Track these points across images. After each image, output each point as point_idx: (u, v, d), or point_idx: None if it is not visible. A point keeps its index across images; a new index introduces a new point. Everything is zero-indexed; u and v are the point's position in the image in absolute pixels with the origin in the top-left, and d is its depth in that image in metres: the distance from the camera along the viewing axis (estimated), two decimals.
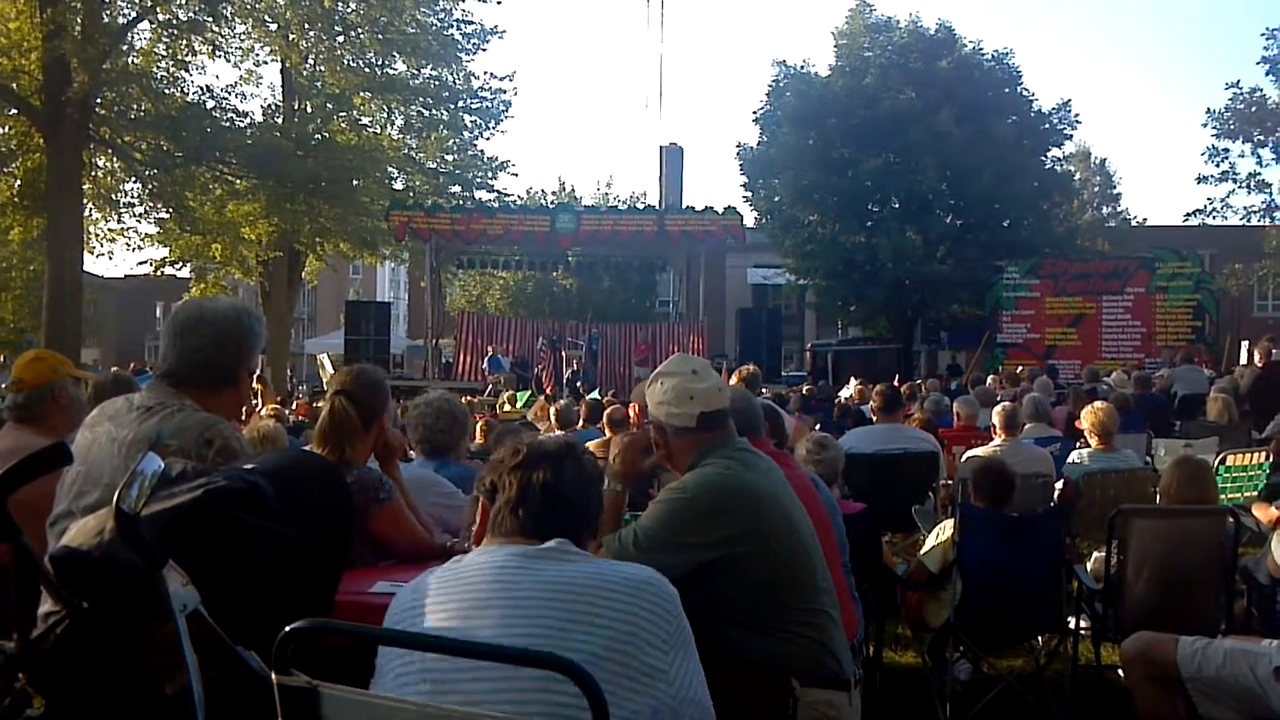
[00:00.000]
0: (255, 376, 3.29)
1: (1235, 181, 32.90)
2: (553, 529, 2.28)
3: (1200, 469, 5.62)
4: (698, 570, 3.01)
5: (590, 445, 8.28)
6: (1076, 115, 31.97)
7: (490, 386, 21.53)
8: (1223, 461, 7.66)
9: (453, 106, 30.84)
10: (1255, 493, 7.45)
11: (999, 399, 10.81)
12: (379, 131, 31.47)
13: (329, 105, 30.01)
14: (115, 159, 27.12)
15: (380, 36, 27.81)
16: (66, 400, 4.42)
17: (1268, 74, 31.27)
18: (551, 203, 42.78)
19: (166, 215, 28.66)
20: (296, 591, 2.32)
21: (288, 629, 1.78)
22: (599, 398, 15.48)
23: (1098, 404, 8.19)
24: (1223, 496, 6.50)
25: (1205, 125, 32.90)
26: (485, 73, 33.37)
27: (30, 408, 4.37)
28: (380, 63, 29.37)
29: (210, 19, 25.58)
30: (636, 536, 3.08)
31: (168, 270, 32.41)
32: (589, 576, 2.15)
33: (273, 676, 1.79)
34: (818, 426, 9.40)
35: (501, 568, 2.18)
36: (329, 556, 2.51)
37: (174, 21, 25.70)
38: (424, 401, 4.97)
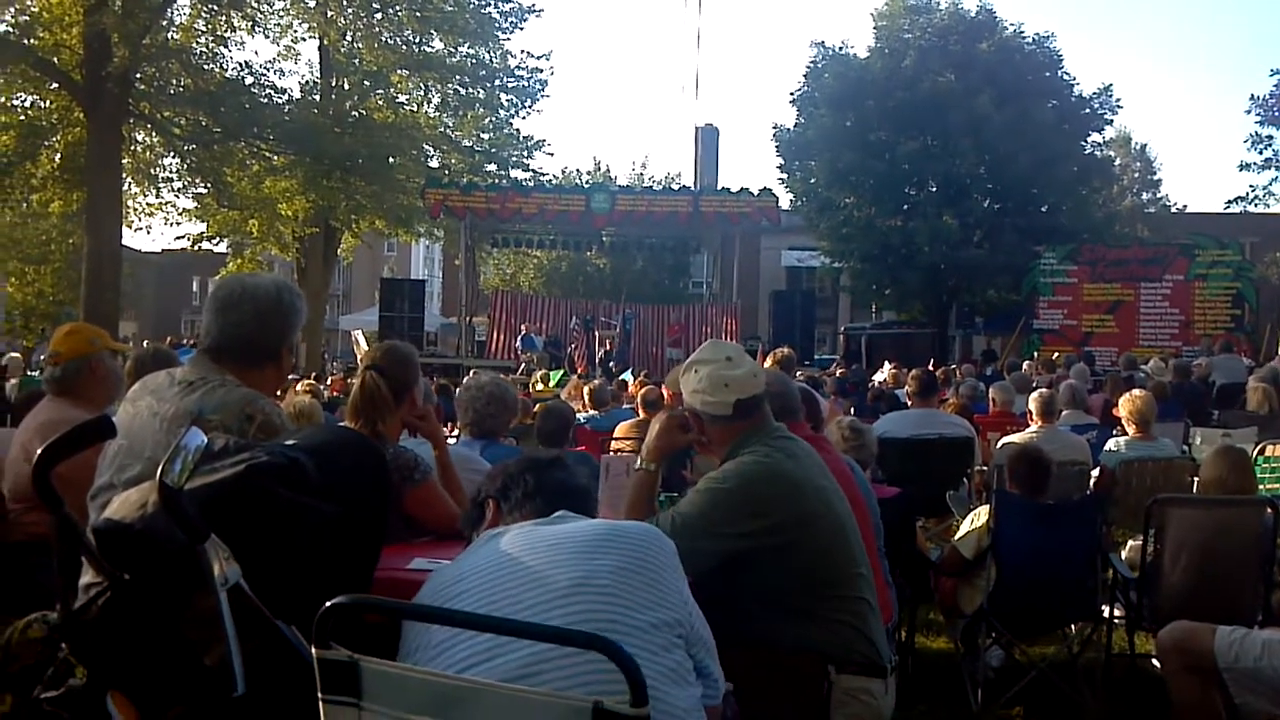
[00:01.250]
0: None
1: (1278, 169, 32.51)
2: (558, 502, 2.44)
3: (1244, 458, 5.57)
4: (736, 557, 3.01)
5: (623, 426, 8.32)
6: (1117, 100, 31.62)
7: (523, 365, 21.58)
8: (1261, 451, 7.59)
9: (489, 85, 30.81)
10: None
11: (1035, 385, 10.74)
12: (416, 109, 31.52)
13: (366, 83, 30.06)
14: (154, 134, 27.29)
15: (418, 14, 27.82)
16: (103, 372, 4.46)
17: None
18: (586, 182, 42.76)
19: (204, 190, 28.87)
20: (336, 567, 2.33)
21: (329, 604, 1.79)
22: (630, 378, 15.50)
23: (1136, 392, 8.13)
24: (1261, 487, 6.43)
25: (1249, 112, 32.49)
26: (522, 51, 33.46)
27: (67, 380, 4.42)
28: (418, 40, 29.38)
29: None
30: (675, 522, 3.07)
31: (205, 245, 32.62)
32: (599, 524, 2.34)
33: (314, 650, 1.80)
34: (852, 410, 9.38)
35: (522, 532, 2.29)
36: (368, 532, 2.52)
37: None
38: (475, 385, 5.03)
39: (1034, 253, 27.42)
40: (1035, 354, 22.16)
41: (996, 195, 30.78)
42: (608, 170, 49.03)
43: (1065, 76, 31.38)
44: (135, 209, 28.53)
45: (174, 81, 26.27)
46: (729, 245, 29.04)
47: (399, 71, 29.74)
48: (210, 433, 2.37)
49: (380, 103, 30.66)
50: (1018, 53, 30.85)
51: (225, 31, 26.79)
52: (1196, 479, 6.18)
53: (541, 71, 31.16)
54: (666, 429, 3.48)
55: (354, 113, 29.63)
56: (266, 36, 28.12)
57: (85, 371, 4.42)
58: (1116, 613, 5.67)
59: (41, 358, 22.61)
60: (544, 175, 32.85)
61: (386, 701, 1.78)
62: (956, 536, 5.69)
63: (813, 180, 32.20)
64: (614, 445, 7.62)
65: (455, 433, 5.36)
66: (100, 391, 4.42)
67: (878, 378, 17.45)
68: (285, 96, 28.43)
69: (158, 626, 2.10)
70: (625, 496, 3.29)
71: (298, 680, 1.94)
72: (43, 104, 26.36)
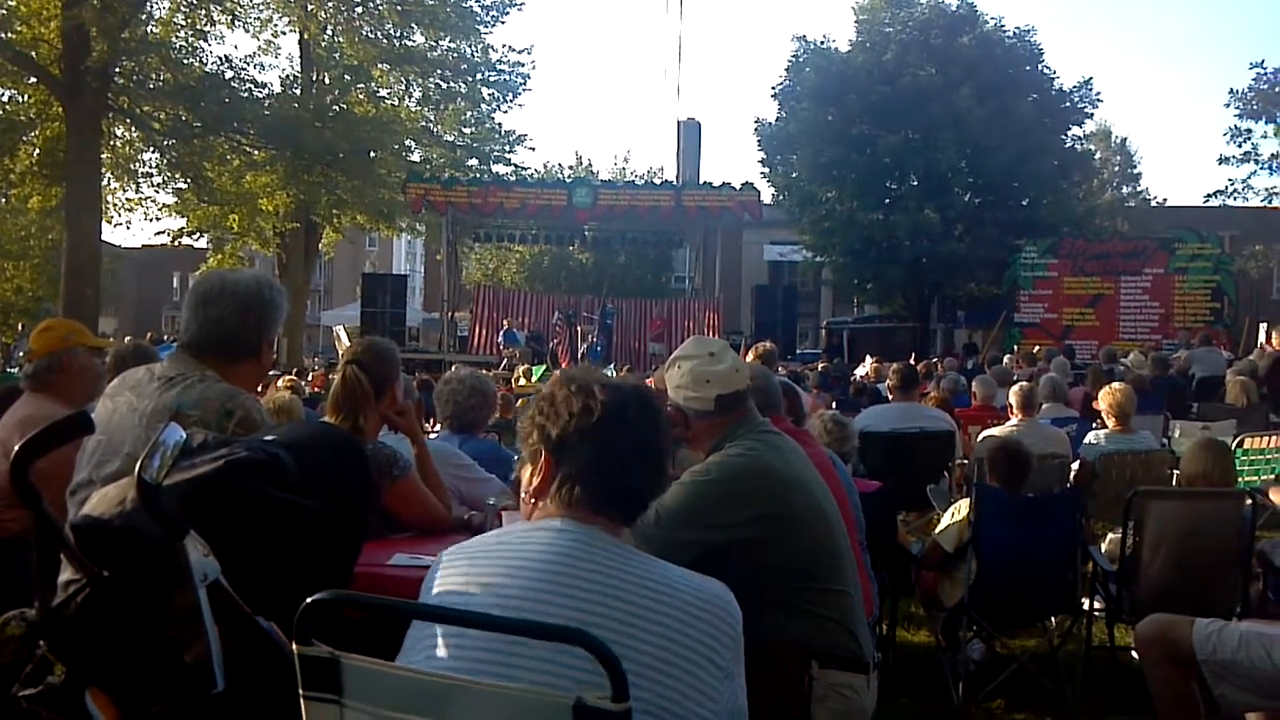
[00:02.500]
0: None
1: (1257, 162, 32.75)
2: (618, 504, 2.07)
3: (1226, 452, 5.60)
4: (717, 550, 3.02)
5: None
6: (1097, 94, 31.78)
7: (505, 360, 21.55)
8: (1240, 444, 7.63)
9: (470, 79, 30.77)
10: (1273, 475, 7.44)
11: (1016, 379, 10.78)
12: (397, 104, 31.44)
13: (347, 76, 30.01)
14: (134, 128, 27.21)
15: (399, 8, 27.78)
16: (79, 368, 4.44)
17: None
18: (568, 177, 42.71)
19: (184, 185, 28.78)
20: (317, 562, 2.33)
21: (309, 600, 1.78)
22: (611, 373, 15.50)
23: (1115, 385, 8.16)
24: (1240, 479, 6.48)
25: (1228, 105, 32.75)
26: (503, 45, 33.55)
27: (40, 376, 4.41)
28: (399, 34, 29.35)
29: None
30: (657, 515, 3.07)
31: (185, 241, 32.51)
32: (655, 579, 1.94)
33: (294, 647, 1.80)
34: (834, 404, 9.40)
35: (562, 552, 1.95)
36: (349, 528, 2.52)
37: None
38: (456, 379, 5.03)
39: (1015, 246, 27.53)
40: (1016, 347, 22.23)
41: (977, 189, 30.88)
42: (590, 165, 49.08)
43: (1045, 70, 31.52)
44: (115, 204, 28.49)
45: (153, 76, 26.17)
46: (711, 240, 29.05)
47: (380, 65, 29.68)
48: (189, 428, 2.36)
49: (361, 97, 30.59)
50: (998, 47, 30.95)
51: (205, 25, 26.77)
52: (1176, 472, 6.22)
53: (523, 66, 31.21)
54: None
55: (335, 107, 29.55)
56: (246, 30, 28.09)
57: (59, 368, 4.40)
58: (1096, 605, 5.70)
59: (21, 354, 22.57)
60: (526, 170, 32.93)
61: (367, 699, 1.78)
62: (937, 530, 5.70)
63: (794, 174, 32.26)
64: None
65: (435, 427, 5.36)
66: (77, 387, 4.39)
67: (859, 372, 17.48)
68: (265, 91, 28.46)
69: (137, 623, 2.09)
70: None
71: (279, 677, 1.93)
72: (21, 99, 26.25)
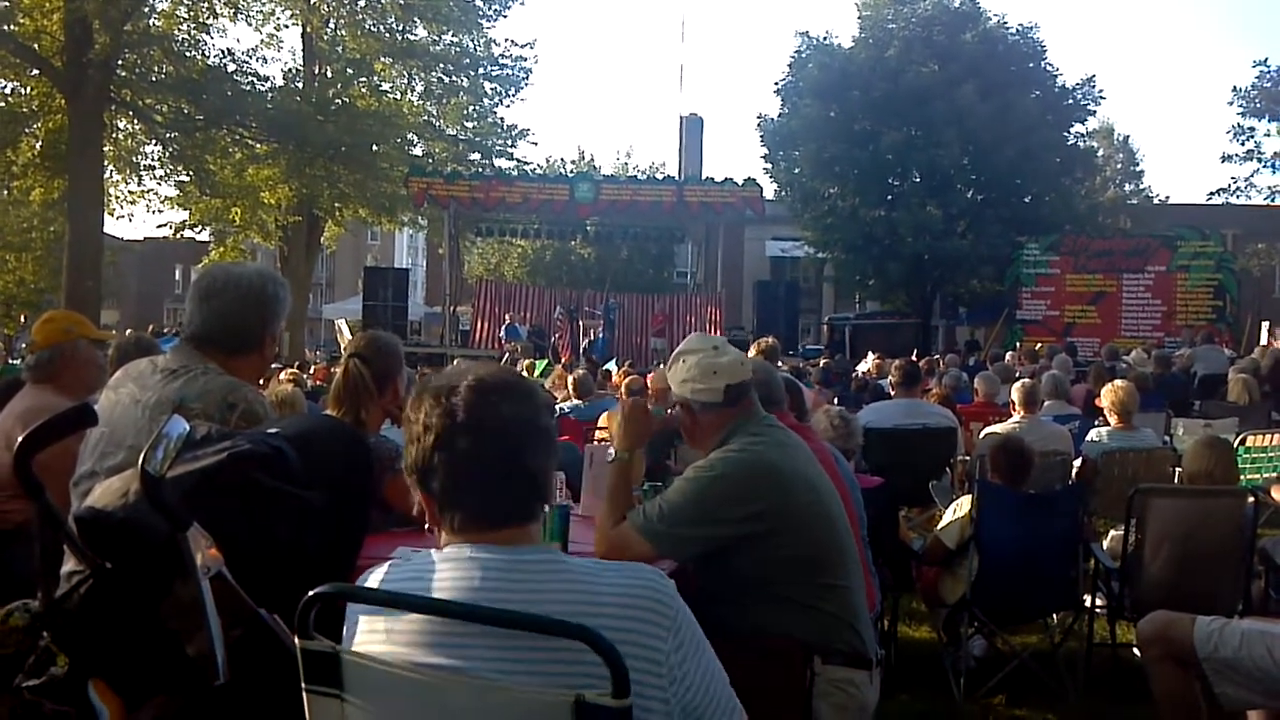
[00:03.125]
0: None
1: (1260, 160, 32.77)
2: (507, 511, 1.90)
3: (1229, 450, 5.60)
4: (722, 545, 3.02)
5: (606, 415, 8.30)
6: (1100, 91, 31.79)
7: (507, 355, 21.56)
8: (1243, 442, 7.63)
9: (473, 73, 30.74)
10: (1275, 473, 7.44)
11: (1018, 375, 10.78)
12: (399, 97, 31.41)
13: (349, 70, 29.97)
14: (136, 121, 27.18)
15: (401, 1, 27.75)
16: (81, 360, 4.46)
17: None
18: (571, 172, 42.70)
19: (187, 178, 28.74)
20: (319, 555, 2.33)
21: (311, 594, 1.78)
22: (614, 368, 15.49)
23: (1118, 382, 8.15)
24: (1242, 477, 6.48)
25: (1231, 103, 32.75)
26: (506, 40, 33.45)
27: (42, 368, 4.43)
28: (401, 28, 29.31)
29: None
30: (662, 511, 3.09)
31: (187, 233, 32.47)
32: (577, 590, 1.81)
33: (296, 640, 1.80)
34: (835, 400, 9.39)
35: (472, 587, 1.82)
36: (351, 521, 2.52)
37: None
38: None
39: (1017, 243, 27.55)
40: (1018, 344, 22.23)
41: (980, 186, 30.89)
42: (592, 159, 49.01)
43: (1048, 67, 31.52)
44: (117, 196, 28.41)
45: (156, 68, 26.17)
46: (713, 235, 29.08)
47: (382, 59, 29.65)
48: (192, 421, 2.36)
49: (363, 90, 30.53)
50: (1001, 43, 30.93)
51: (207, 18, 26.72)
52: (1178, 469, 6.22)
53: (525, 60, 31.14)
54: (631, 414, 3.49)
55: (337, 100, 29.52)
56: (249, 24, 28.11)
57: (60, 359, 4.42)
58: (1098, 602, 5.70)
59: (24, 345, 22.57)
60: (528, 164, 32.84)
61: (368, 693, 1.78)
62: (939, 526, 5.70)
63: (797, 170, 32.24)
64: (598, 435, 7.61)
65: None
66: (79, 379, 4.40)
67: (861, 368, 17.48)
68: (268, 84, 28.37)
69: (140, 615, 2.09)
70: (608, 551, 3.23)
71: (281, 670, 1.93)
72: (23, 90, 26.23)
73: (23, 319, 35.42)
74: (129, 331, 11.06)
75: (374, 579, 1.94)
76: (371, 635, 1.85)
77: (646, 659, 1.75)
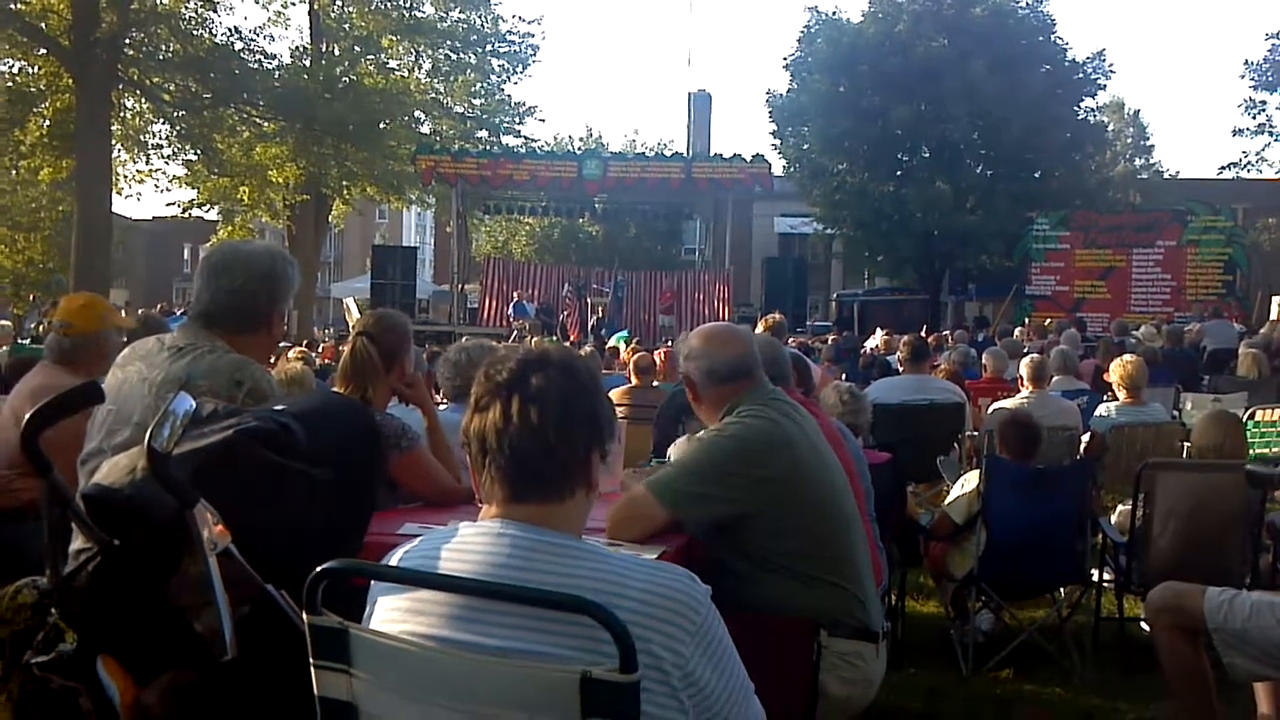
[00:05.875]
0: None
1: (1271, 134, 32.65)
2: (536, 484, 1.89)
3: (1238, 424, 5.60)
4: (731, 515, 3.03)
5: (615, 392, 8.30)
6: (1110, 65, 31.61)
7: (515, 332, 21.55)
8: (1251, 416, 7.62)
9: (480, 50, 30.71)
10: None
11: (1026, 351, 10.76)
12: (406, 75, 31.35)
13: (357, 48, 29.92)
14: (144, 100, 27.17)
15: None
16: (108, 350, 4.44)
17: None
18: (579, 149, 42.61)
19: (194, 157, 28.76)
20: (327, 532, 2.34)
21: (319, 569, 1.79)
22: (622, 344, 15.48)
23: (1127, 357, 8.14)
24: (1251, 451, 6.46)
25: (1243, 77, 32.53)
26: (513, 16, 33.57)
27: (74, 352, 4.42)
28: (408, 5, 29.30)
29: None
30: (673, 471, 3.10)
31: (195, 212, 32.51)
32: (604, 578, 1.79)
33: (304, 616, 1.80)
34: (844, 376, 9.39)
35: (497, 563, 1.83)
36: (359, 497, 2.53)
37: None
38: (458, 347, 5.00)
39: (1027, 219, 27.45)
40: (1027, 320, 22.19)
41: (989, 161, 30.78)
42: (600, 136, 48.90)
43: (1058, 42, 31.30)
44: (125, 176, 28.42)
45: (163, 47, 26.13)
46: (721, 212, 28.96)
47: (389, 36, 29.60)
48: (199, 398, 2.37)
49: (371, 68, 30.48)
50: (1011, 18, 30.74)
51: None
52: (1187, 444, 6.21)
53: (533, 36, 31.16)
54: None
55: (344, 78, 29.46)
56: (256, 1, 28.28)
57: (94, 346, 4.41)
58: (1106, 577, 5.71)
59: (33, 325, 22.60)
60: (536, 142, 32.83)
61: (375, 669, 1.79)
62: (947, 501, 5.71)
63: (806, 146, 32.13)
64: None
65: (442, 401, 5.35)
66: (100, 368, 4.41)
67: (870, 344, 17.47)
68: (275, 62, 28.34)
69: (148, 592, 2.11)
70: (619, 511, 3.19)
71: (289, 645, 1.94)
72: (31, 70, 26.18)
73: (32, 299, 35.47)
74: (140, 311, 11.08)
75: (400, 552, 1.96)
76: (393, 609, 1.86)
77: (664, 655, 1.74)
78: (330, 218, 35.01)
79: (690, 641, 1.77)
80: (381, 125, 28.83)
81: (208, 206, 32.30)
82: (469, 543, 1.88)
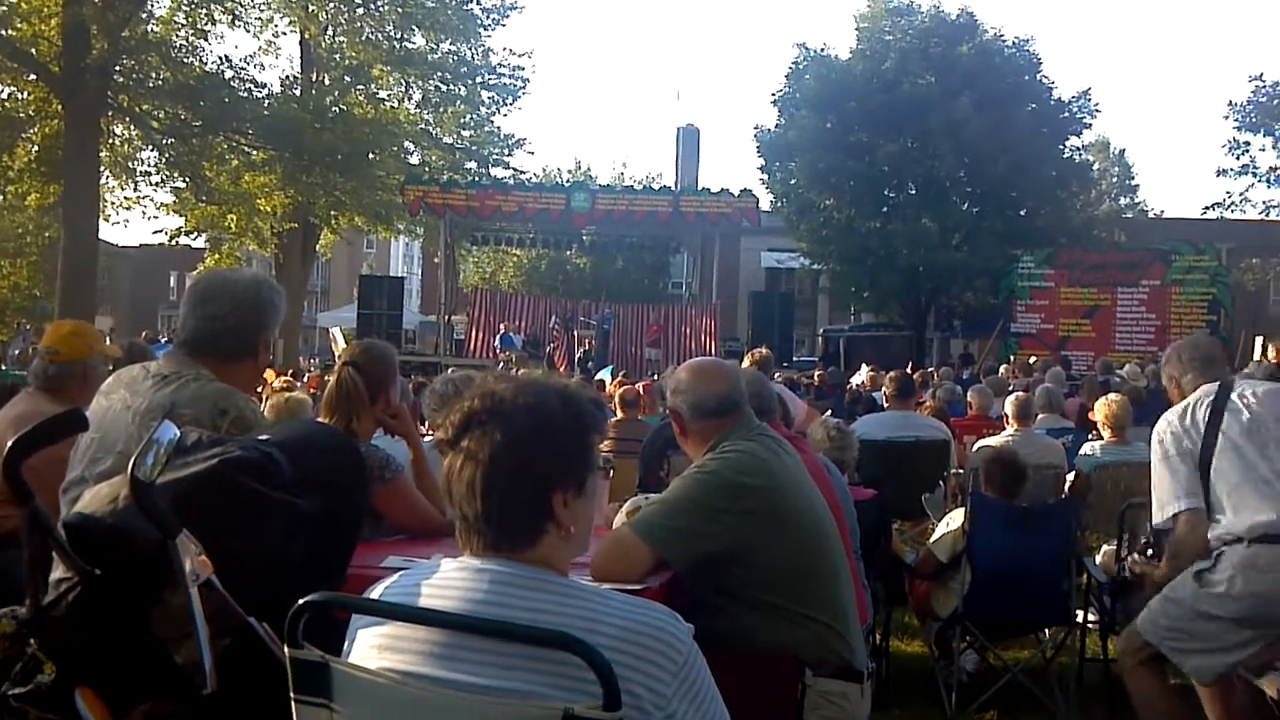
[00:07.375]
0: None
1: (1255, 175, 32.74)
2: (505, 528, 1.85)
3: None
4: (715, 551, 3.01)
5: None
6: (1096, 104, 31.77)
7: (502, 364, 21.52)
8: None
9: (470, 82, 30.79)
10: None
11: (1012, 389, 10.77)
12: (396, 105, 31.41)
13: (347, 78, 29.99)
14: (133, 127, 27.21)
15: (400, 9, 27.82)
16: (94, 379, 4.41)
17: None
18: (567, 181, 42.69)
19: (183, 185, 28.77)
20: (310, 563, 2.32)
21: (301, 602, 1.77)
22: (608, 378, 15.48)
23: (1111, 396, 8.15)
24: None
25: (1226, 117, 32.71)
26: (504, 49, 33.52)
27: (59, 379, 4.38)
28: (399, 36, 29.35)
29: None
30: (656, 509, 3.08)
31: (183, 240, 32.46)
32: (581, 616, 1.75)
33: (285, 649, 1.79)
34: (829, 412, 9.39)
35: (476, 599, 1.79)
36: (343, 528, 2.51)
37: None
38: (444, 379, 5.01)
39: (1012, 256, 27.56)
40: (1012, 357, 22.23)
41: (975, 198, 30.90)
42: (588, 169, 49.00)
43: (1044, 80, 31.50)
44: (112, 202, 28.47)
45: (153, 74, 26.18)
46: (709, 245, 29.08)
47: (380, 67, 29.67)
48: (183, 427, 2.35)
49: (361, 98, 30.54)
50: (997, 56, 30.94)
51: (205, 25, 26.77)
52: None
53: (523, 69, 31.21)
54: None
55: (334, 108, 29.52)
56: (247, 30, 28.13)
57: (79, 375, 4.37)
58: (1090, 617, 5.70)
59: (16, 352, 22.50)
60: (524, 174, 32.89)
61: (357, 704, 1.77)
62: (932, 539, 5.70)
63: (793, 181, 32.20)
64: None
65: (427, 432, 5.34)
66: (84, 396, 4.38)
67: (855, 380, 17.47)
68: (265, 91, 28.45)
69: (128, 623, 2.08)
70: (603, 551, 3.14)
71: (270, 679, 1.93)
72: (20, 95, 26.23)
73: (16, 325, 35.31)
74: (126, 340, 11.04)
75: (381, 587, 1.93)
76: (372, 645, 1.83)
77: (643, 695, 1.70)
78: (318, 247, 34.99)
79: (672, 681, 1.73)
80: (370, 155, 28.89)
81: (195, 234, 32.24)
82: (449, 578, 1.85)
